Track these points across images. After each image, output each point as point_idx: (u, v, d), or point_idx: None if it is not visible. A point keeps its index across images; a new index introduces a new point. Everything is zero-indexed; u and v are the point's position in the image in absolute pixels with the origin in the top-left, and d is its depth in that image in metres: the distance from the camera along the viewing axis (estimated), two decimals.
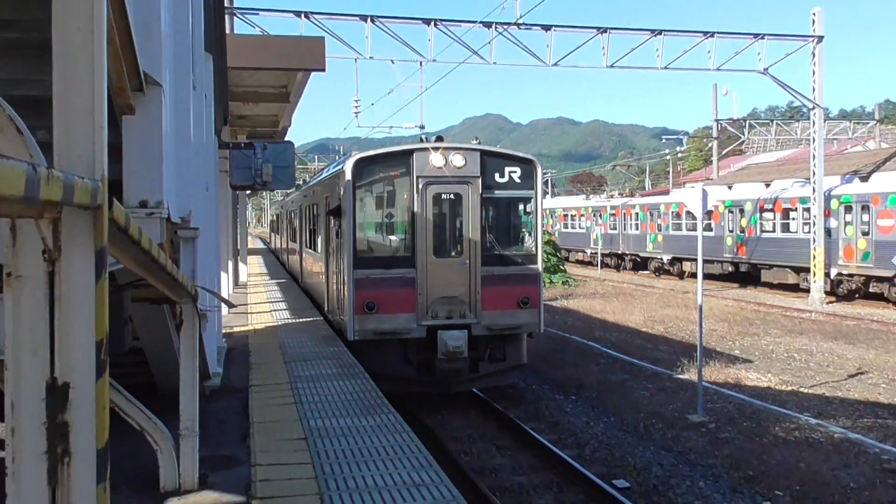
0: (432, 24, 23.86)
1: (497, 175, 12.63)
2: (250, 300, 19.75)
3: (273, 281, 26.25)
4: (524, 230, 13.44)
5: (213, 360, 9.99)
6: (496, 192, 12.73)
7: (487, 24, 24.14)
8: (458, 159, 12.33)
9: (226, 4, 14.55)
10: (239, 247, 25.90)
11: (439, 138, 13.14)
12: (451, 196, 12.51)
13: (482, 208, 12.50)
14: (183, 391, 5.86)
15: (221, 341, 12.37)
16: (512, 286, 12.50)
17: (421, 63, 24.85)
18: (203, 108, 8.86)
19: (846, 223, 27.79)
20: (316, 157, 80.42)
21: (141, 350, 7.55)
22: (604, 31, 24.94)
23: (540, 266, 13.04)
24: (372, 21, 23.31)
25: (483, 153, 12.71)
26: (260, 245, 62.22)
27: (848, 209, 27.79)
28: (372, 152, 12.97)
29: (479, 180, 12.46)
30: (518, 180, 12.79)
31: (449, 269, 12.39)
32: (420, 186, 12.27)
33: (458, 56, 24.40)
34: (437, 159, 12.20)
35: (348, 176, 12.29)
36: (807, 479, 9.53)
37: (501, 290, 12.43)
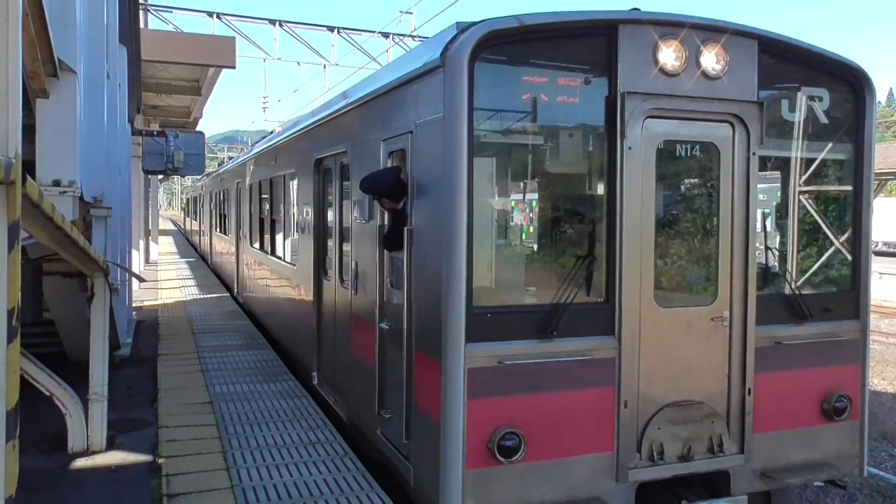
0: (336, 31, 23.65)
1: (787, 104, 5.11)
2: (161, 276, 18.95)
3: (182, 260, 25.28)
4: (829, 235, 5.48)
5: (123, 332, 9.54)
6: (785, 144, 5.20)
7: (385, 35, 24.12)
8: (711, 59, 4.66)
9: (140, 1, 13.86)
10: (151, 227, 24.87)
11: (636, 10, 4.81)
12: (697, 150, 4.92)
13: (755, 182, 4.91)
14: (92, 358, 5.60)
15: (132, 314, 11.81)
16: (809, 369, 5.17)
17: (325, 66, 24.50)
18: (117, 96, 8.44)
19: None
20: (225, 147, 77.80)
21: (51, 321, 7.16)
22: None
23: (866, 320, 5.38)
24: (280, 25, 22.79)
25: (765, 42, 4.88)
26: (171, 226, 60.34)
27: None
28: (515, 21, 4.23)
29: (759, 112, 4.81)
30: (826, 120, 5.22)
31: (686, 332, 4.78)
32: (632, 121, 4.50)
33: (358, 61, 24.31)
34: (668, 55, 4.56)
35: (463, 80, 4.06)
36: None
37: (789, 379, 5.09)
